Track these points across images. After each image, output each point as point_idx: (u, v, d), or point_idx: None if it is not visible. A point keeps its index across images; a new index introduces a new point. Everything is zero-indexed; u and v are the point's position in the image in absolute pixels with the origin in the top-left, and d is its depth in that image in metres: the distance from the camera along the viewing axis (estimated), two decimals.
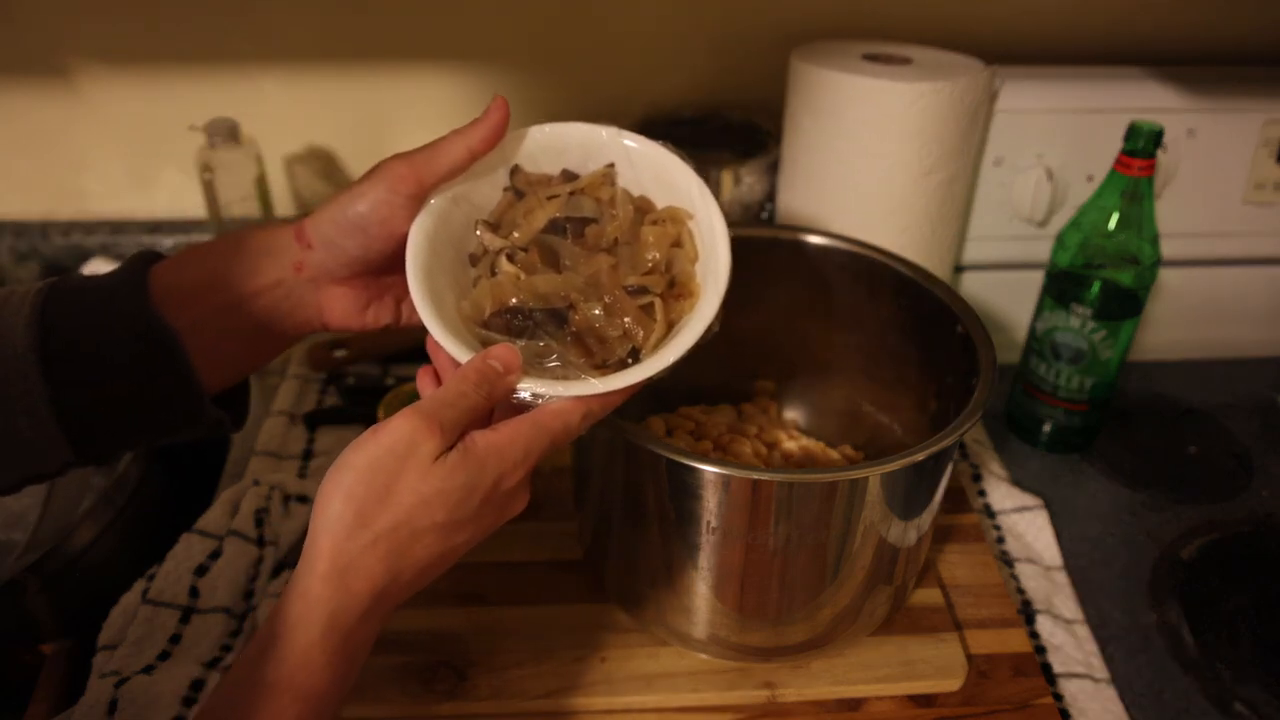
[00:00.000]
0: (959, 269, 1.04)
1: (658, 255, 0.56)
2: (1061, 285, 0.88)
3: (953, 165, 0.90)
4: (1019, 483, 0.91)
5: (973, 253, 1.02)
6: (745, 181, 1.01)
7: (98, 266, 1.09)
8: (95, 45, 1.04)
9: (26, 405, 0.50)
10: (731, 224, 0.57)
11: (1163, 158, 0.95)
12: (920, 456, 0.59)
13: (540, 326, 0.53)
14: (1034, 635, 0.76)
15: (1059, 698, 0.72)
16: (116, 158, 1.12)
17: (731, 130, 1.06)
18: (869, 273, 0.78)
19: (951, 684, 0.70)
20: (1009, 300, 1.04)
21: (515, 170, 0.59)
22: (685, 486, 0.61)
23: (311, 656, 0.45)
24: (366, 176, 0.55)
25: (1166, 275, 1.03)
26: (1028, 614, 0.78)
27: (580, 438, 0.54)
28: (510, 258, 0.56)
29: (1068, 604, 0.79)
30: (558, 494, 0.81)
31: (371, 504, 0.46)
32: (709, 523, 0.62)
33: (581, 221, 0.57)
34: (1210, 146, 0.97)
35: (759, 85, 1.07)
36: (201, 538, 0.79)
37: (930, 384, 0.76)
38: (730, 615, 0.67)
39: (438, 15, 1.03)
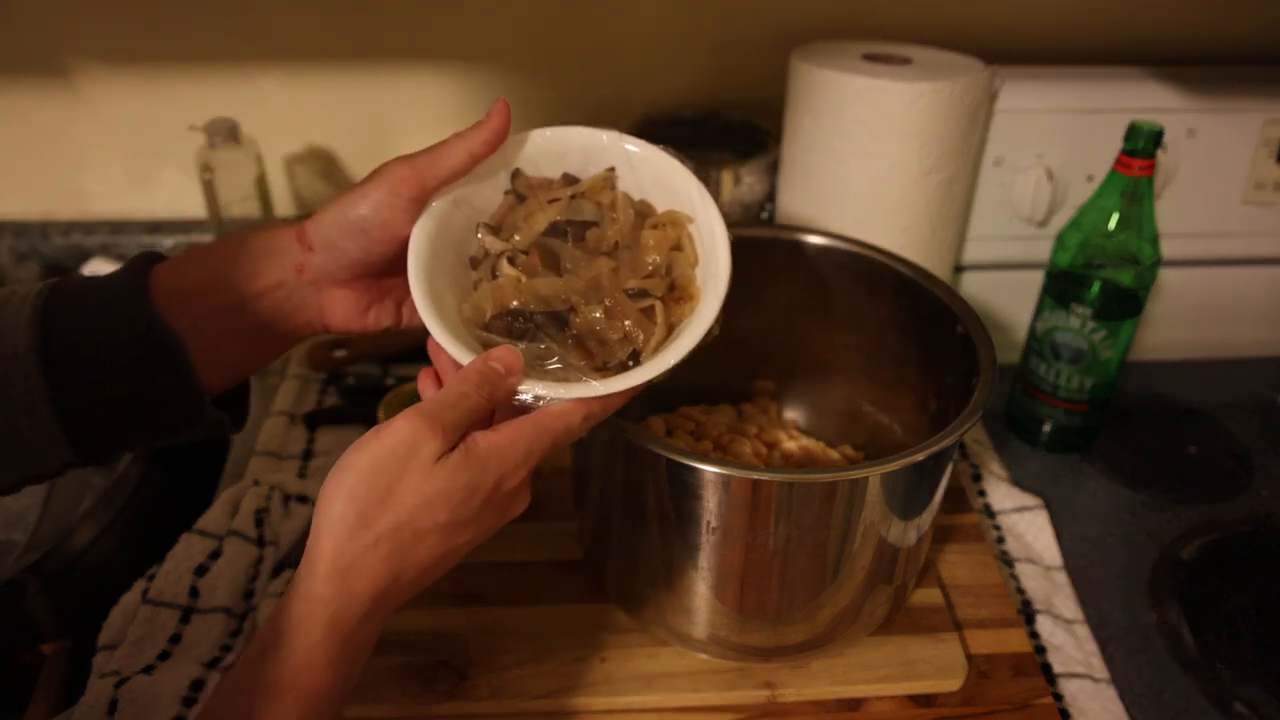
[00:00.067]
0: (959, 269, 1.04)
1: (658, 259, 0.57)
2: (1061, 285, 0.88)
3: (953, 165, 0.90)
4: (1019, 483, 0.91)
5: (973, 253, 1.02)
6: (745, 181, 1.01)
7: (98, 267, 1.09)
8: (95, 45, 1.04)
9: (27, 405, 0.50)
10: (731, 224, 0.57)
11: (1163, 158, 0.95)
12: (920, 456, 0.59)
13: (541, 329, 0.54)
14: (1034, 635, 0.76)
15: (1059, 698, 0.72)
16: (116, 158, 1.12)
17: (731, 130, 1.06)
18: (869, 273, 0.78)
19: (951, 684, 0.70)
20: (1009, 300, 1.04)
21: (516, 174, 0.59)
22: (685, 486, 0.61)
23: (313, 657, 0.45)
24: (368, 179, 0.55)
25: (1166, 275, 1.03)
26: (1028, 614, 0.78)
27: (580, 438, 0.54)
28: (511, 260, 0.56)
29: (1068, 604, 0.79)
30: (558, 494, 0.81)
31: (373, 505, 0.46)
32: (709, 523, 0.62)
33: (582, 225, 0.57)
34: (1210, 146, 0.97)
35: (759, 85, 1.07)
36: (201, 538, 0.79)
37: (930, 384, 0.76)
38: (730, 615, 0.67)
39: (438, 15, 1.03)
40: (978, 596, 0.77)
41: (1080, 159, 0.96)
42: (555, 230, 0.57)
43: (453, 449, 0.48)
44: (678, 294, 0.56)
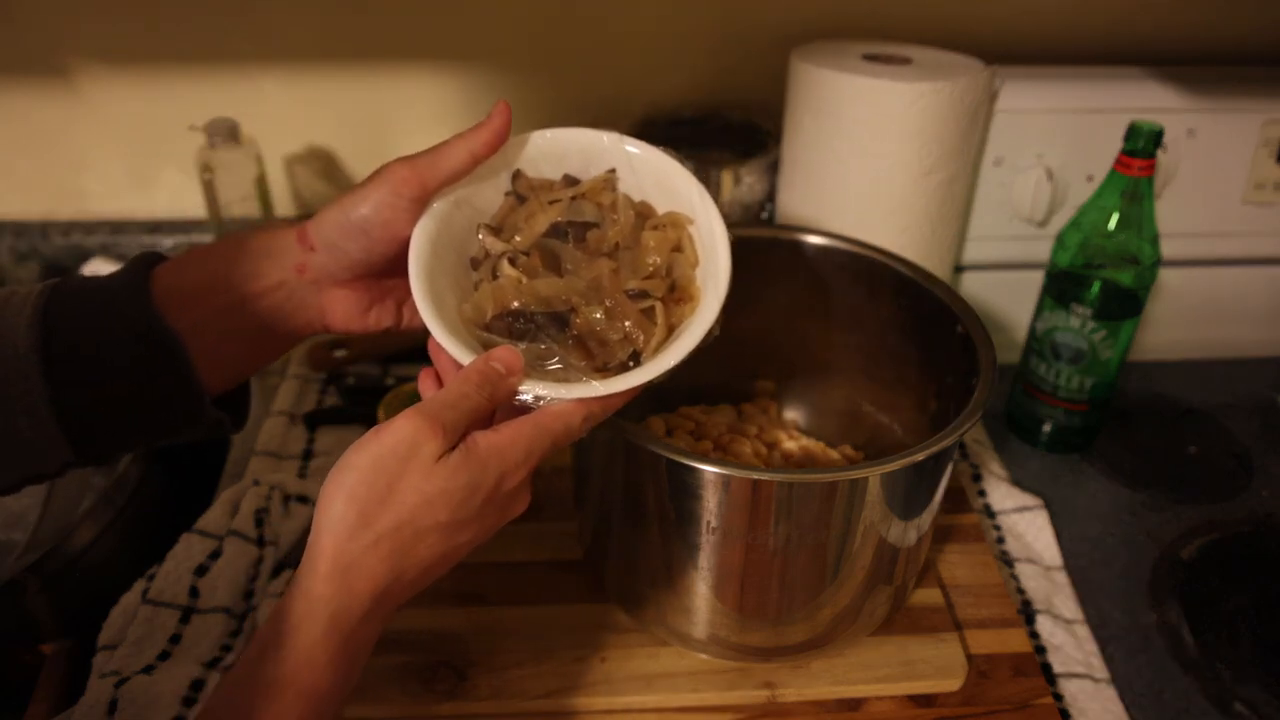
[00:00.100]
0: (959, 269, 1.04)
1: (658, 260, 0.57)
2: (1061, 285, 0.88)
3: (953, 165, 0.90)
4: (1019, 483, 0.91)
5: (973, 253, 1.02)
6: (745, 181, 1.01)
7: (98, 266, 1.09)
8: (95, 45, 1.04)
9: (27, 405, 0.50)
10: (731, 224, 0.57)
11: (1163, 158, 0.95)
12: (920, 456, 0.59)
13: (542, 329, 0.54)
14: (1034, 635, 0.76)
15: (1059, 698, 0.72)
16: (116, 158, 1.12)
17: (731, 130, 1.06)
18: (869, 273, 0.78)
19: (951, 684, 0.70)
20: (1009, 300, 1.04)
21: (517, 175, 0.60)
22: (685, 486, 0.61)
23: (314, 656, 0.45)
24: (369, 179, 0.55)
25: (1166, 275, 1.03)
26: (1028, 614, 0.78)
27: (581, 438, 0.54)
28: (512, 261, 0.56)
29: (1068, 604, 0.79)
30: (558, 494, 0.81)
31: (374, 504, 0.46)
32: (709, 523, 0.62)
33: (583, 226, 0.57)
34: (1210, 146, 0.97)
35: (759, 85, 1.07)
36: (201, 538, 0.79)
37: (930, 384, 0.76)
38: (730, 615, 0.67)
39: (438, 15, 1.03)
40: (978, 596, 0.77)
41: (1080, 159, 0.96)
42: (556, 231, 0.57)
43: (453, 449, 0.48)
44: (678, 295, 0.57)
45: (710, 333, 0.54)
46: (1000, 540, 0.85)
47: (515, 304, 0.54)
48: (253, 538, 0.80)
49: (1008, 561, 0.83)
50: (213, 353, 0.54)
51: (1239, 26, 1.07)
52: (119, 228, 1.13)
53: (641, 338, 0.54)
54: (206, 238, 1.11)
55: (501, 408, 0.51)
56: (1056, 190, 0.96)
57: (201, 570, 0.77)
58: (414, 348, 1.04)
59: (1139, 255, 0.84)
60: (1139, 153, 0.81)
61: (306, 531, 0.67)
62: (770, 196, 1.04)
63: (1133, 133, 0.81)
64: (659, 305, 0.55)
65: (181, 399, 0.53)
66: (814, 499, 0.61)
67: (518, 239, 0.57)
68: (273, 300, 0.56)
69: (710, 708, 0.69)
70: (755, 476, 0.59)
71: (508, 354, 0.51)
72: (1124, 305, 0.86)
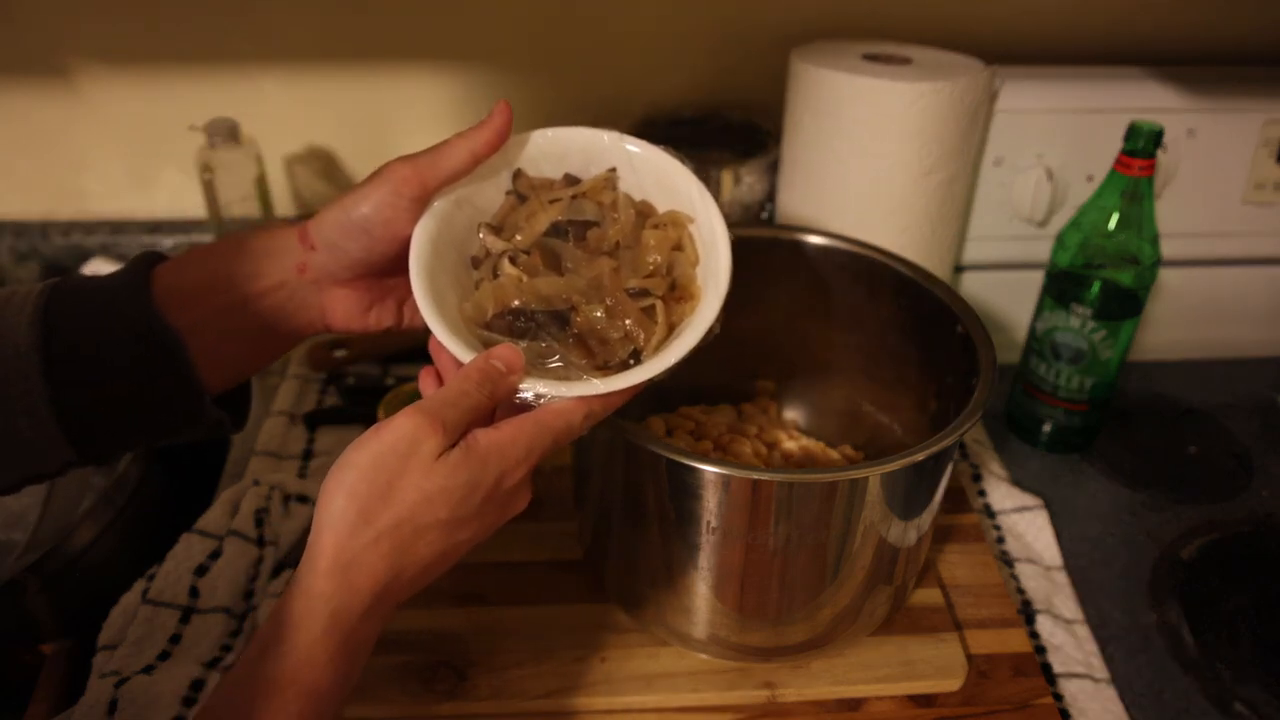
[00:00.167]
0: (959, 269, 1.04)
1: (659, 258, 0.57)
2: (1061, 285, 0.88)
3: (953, 165, 0.90)
4: (1019, 483, 0.91)
5: (973, 253, 1.02)
6: (745, 181, 1.01)
7: (98, 266, 1.09)
8: (95, 45, 1.04)
9: (27, 405, 0.50)
10: (731, 224, 0.57)
11: (1163, 158, 0.95)
12: (920, 456, 0.59)
13: (542, 328, 0.54)
14: (1034, 635, 0.76)
15: (1059, 698, 0.72)
16: (116, 158, 1.12)
17: (731, 130, 1.06)
18: (869, 273, 0.78)
19: (951, 684, 0.70)
20: (1009, 300, 1.04)
21: (518, 174, 0.60)
22: (685, 486, 0.61)
23: (314, 654, 0.45)
24: (370, 179, 0.55)
25: (1166, 275, 1.03)
26: (1028, 614, 0.78)
27: (580, 437, 0.54)
28: (512, 260, 0.56)
29: (1068, 604, 0.79)
30: (558, 493, 0.81)
31: (374, 501, 0.46)
32: (709, 523, 0.62)
33: (583, 225, 0.57)
34: (1210, 146, 0.97)
35: (759, 85, 1.07)
36: (201, 538, 0.79)
37: (930, 384, 0.76)
38: (730, 615, 0.67)
39: (438, 15, 1.03)
40: (978, 596, 0.77)
41: (1080, 159, 0.96)
42: (556, 230, 0.57)
43: (453, 446, 0.48)
44: (679, 293, 0.57)
45: (711, 331, 0.54)
46: (1000, 540, 0.85)
47: (516, 302, 0.54)
48: (253, 538, 0.80)
49: (1008, 561, 0.83)
50: (213, 352, 0.54)
51: (1239, 26, 1.07)
52: (119, 228, 1.13)
53: (642, 336, 0.54)
54: (206, 238, 1.11)
55: (502, 406, 0.51)
56: (1056, 190, 0.96)
57: (201, 570, 0.77)
58: (414, 348, 1.04)
59: (1139, 255, 0.84)
60: (1139, 153, 0.81)
61: (306, 531, 0.67)
62: (770, 196, 1.04)
63: (1133, 133, 0.81)
64: (659, 304, 0.55)
65: (182, 399, 0.53)
66: (814, 499, 0.60)
67: (518, 238, 0.58)
68: (273, 300, 0.56)
69: (710, 708, 0.69)
70: (755, 476, 0.59)
71: (508, 352, 0.51)
72: (1124, 305, 0.87)
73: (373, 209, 0.54)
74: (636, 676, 0.69)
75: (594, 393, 0.51)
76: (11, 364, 0.50)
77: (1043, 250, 0.92)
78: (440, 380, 0.54)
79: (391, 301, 0.60)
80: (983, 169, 0.97)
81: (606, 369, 0.54)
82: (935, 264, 0.95)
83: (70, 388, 0.51)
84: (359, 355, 1.03)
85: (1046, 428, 0.95)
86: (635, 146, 0.59)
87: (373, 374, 1.04)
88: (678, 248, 0.58)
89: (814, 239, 0.79)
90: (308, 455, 0.93)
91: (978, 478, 0.90)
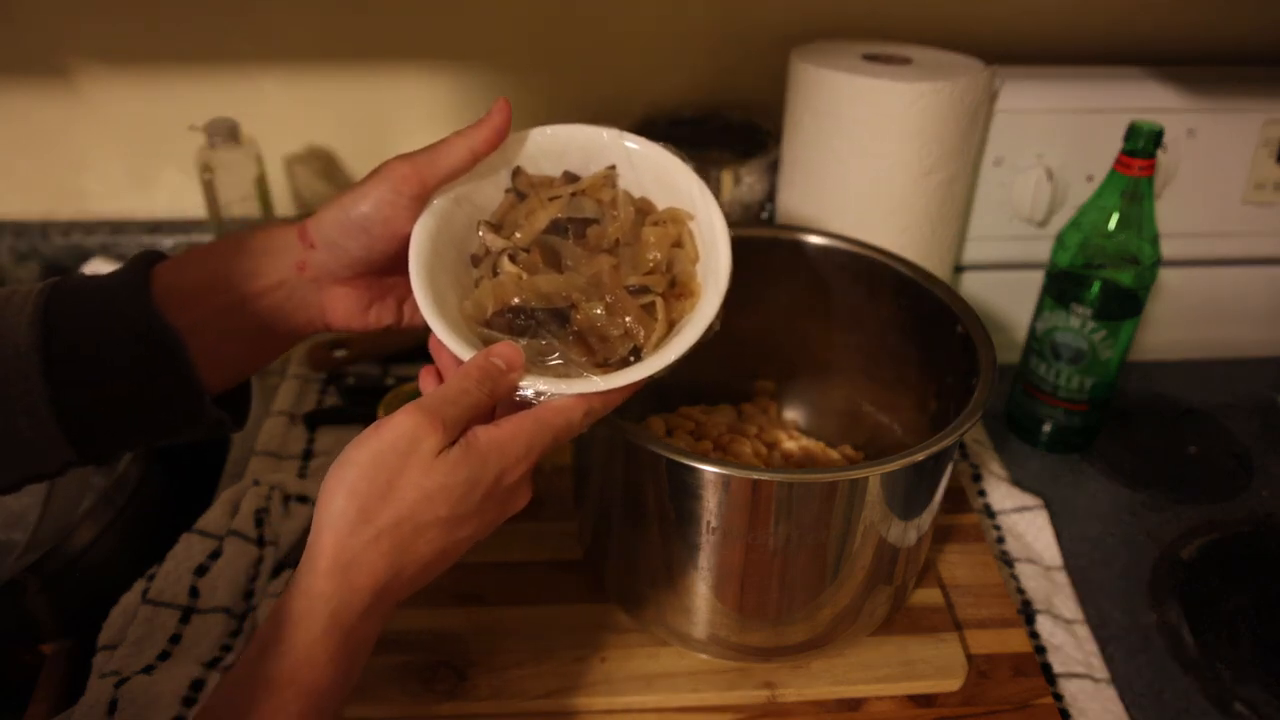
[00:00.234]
0: (959, 269, 1.04)
1: (659, 255, 0.57)
2: (1061, 285, 0.88)
3: (953, 165, 0.90)
4: (1019, 483, 0.91)
5: (973, 253, 1.02)
6: (745, 181, 1.01)
7: (98, 266, 1.09)
8: (95, 45, 1.04)
9: (27, 405, 0.50)
10: (731, 224, 0.57)
11: (1163, 158, 0.95)
12: (920, 456, 0.59)
13: (542, 326, 0.54)
14: (1034, 635, 0.76)
15: (1059, 698, 0.72)
16: (116, 158, 1.12)
17: (731, 130, 1.06)
18: (869, 273, 0.78)
19: (951, 684, 0.70)
20: (1009, 300, 1.04)
21: (517, 172, 0.60)
22: (685, 486, 0.61)
23: (314, 653, 0.45)
24: (369, 177, 0.55)
25: (1166, 275, 1.03)
26: (1028, 614, 0.78)
27: (580, 437, 0.54)
28: (512, 258, 0.56)
29: (1068, 604, 0.79)
30: (558, 493, 0.81)
31: (374, 499, 0.46)
32: (709, 523, 0.62)
33: (583, 222, 0.57)
34: (1210, 146, 0.97)
35: (759, 85, 1.08)
36: (201, 538, 0.79)
37: (930, 384, 0.76)
38: (730, 615, 0.67)
39: (438, 15, 1.03)
40: (978, 596, 0.77)
41: (1080, 159, 0.96)
42: (556, 228, 0.57)
43: (453, 444, 0.48)
44: (679, 290, 0.56)
45: (711, 328, 0.54)
46: (1000, 540, 0.85)
47: (516, 300, 0.54)
48: (253, 538, 0.80)
49: (1008, 561, 0.83)
50: (213, 351, 0.54)
51: (1239, 26, 1.07)
52: (119, 228, 1.13)
53: (642, 333, 0.54)
54: (206, 238, 1.11)
55: (502, 404, 0.51)
56: (1056, 190, 0.96)
57: (201, 570, 0.77)
58: (414, 347, 1.04)
59: (1139, 255, 0.84)
60: (1139, 153, 0.81)
61: (306, 531, 0.67)
62: (770, 196, 1.04)
63: (1133, 133, 0.81)
64: (659, 301, 0.55)
65: (182, 398, 0.53)
66: (814, 499, 0.60)
67: (518, 236, 0.58)
68: (273, 299, 0.55)
69: (710, 708, 0.69)
70: (755, 476, 0.59)
71: (508, 350, 0.51)
72: (1124, 305, 0.86)
73: (372, 207, 0.54)
74: (636, 676, 0.69)
75: (594, 390, 0.51)
76: (11, 364, 0.50)
77: (1043, 250, 0.92)
78: (440, 379, 0.54)
79: (391, 300, 0.60)
80: (983, 169, 0.97)
81: (607, 366, 0.53)
82: (935, 264, 0.95)
83: (70, 387, 0.51)
84: (359, 355, 1.03)
85: (1046, 428, 0.95)
86: (634, 143, 0.59)
87: (373, 374, 1.04)
88: (677, 244, 0.58)
89: (814, 239, 0.79)
90: (308, 455, 0.93)
91: (978, 478, 0.90)
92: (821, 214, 0.94)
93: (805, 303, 0.82)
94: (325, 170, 1.13)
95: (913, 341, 0.77)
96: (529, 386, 0.51)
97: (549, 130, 0.60)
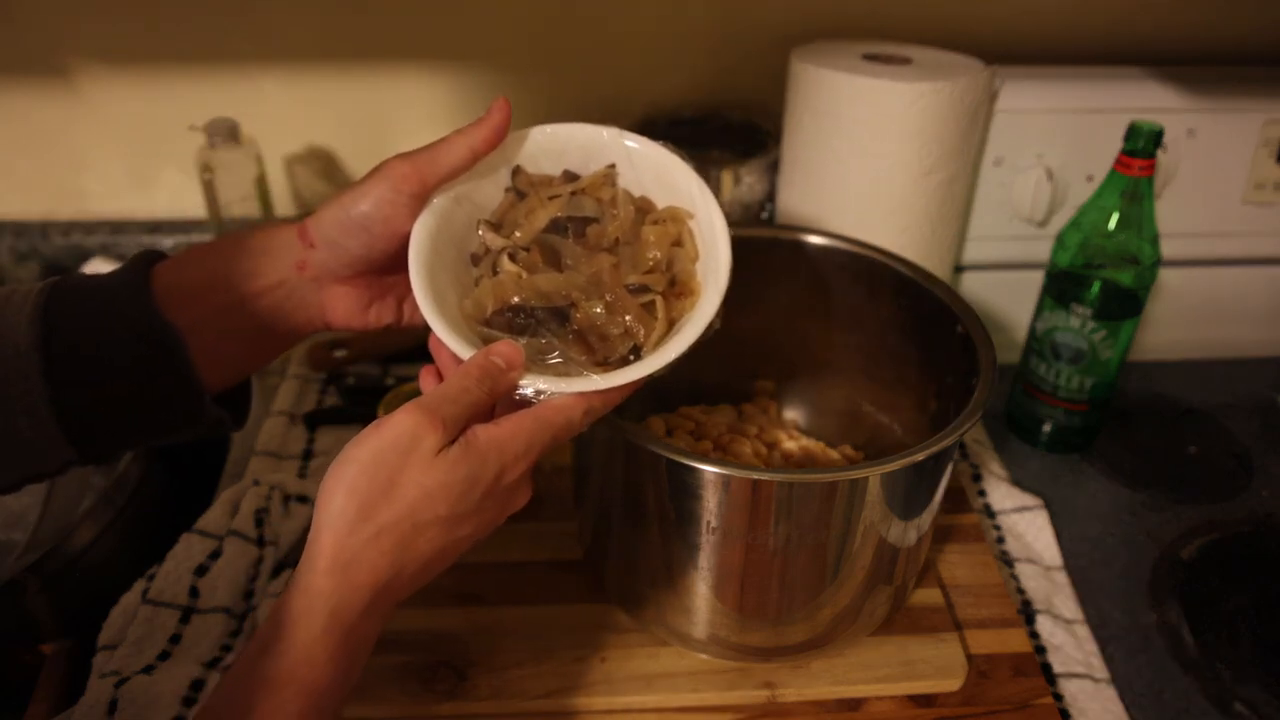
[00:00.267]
0: (959, 269, 1.04)
1: (659, 254, 0.57)
2: (1061, 285, 0.88)
3: (953, 165, 0.90)
4: (1019, 483, 0.91)
5: (973, 253, 1.02)
6: (745, 181, 1.01)
7: (98, 266, 1.09)
8: (95, 45, 1.04)
9: (27, 405, 0.50)
10: (731, 224, 0.57)
11: (1163, 158, 0.95)
12: (920, 456, 0.59)
13: (542, 324, 0.54)
14: (1034, 635, 0.76)
15: (1059, 698, 0.72)
16: (116, 158, 1.12)
17: (731, 130, 1.06)
18: (869, 273, 0.78)
19: (951, 684, 0.70)
20: (1009, 300, 1.04)
21: (517, 170, 0.60)
22: (685, 486, 0.61)
23: (314, 652, 0.45)
24: (369, 176, 0.55)
25: (1166, 275, 1.03)
26: (1028, 614, 0.78)
27: (580, 437, 0.54)
28: (512, 257, 0.56)
29: (1068, 604, 0.79)
30: (558, 493, 0.81)
31: (374, 497, 0.46)
32: (709, 523, 0.62)
33: (583, 221, 0.57)
34: (1210, 146, 0.97)
35: (759, 85, 1.08)
36: (201, 538, 0.79)
37: (930, 384, 0.76)
38: (730, 615, 0.67)
39: (438, 15, 1.04)
40: (978, 596, 0.77)
41: (1080, 159, 0.96)
42: (556, 226, 0.57)
43: (453, 442, 0.48)
44: (678, 289, 0.56)
45: (711, 326, 0.54)
46: (1000, 540, 0.85)
47: (516, 299, 0.54)
48: (253, 538, 0.80)
49: (1008, 561, 0.83)
50: (213, 351, 0.54)
51: (1239, 26, 1.07)
52: (119, 228, 1.13)
53: (642, 332, 0.54)
54: (206, 238, 1.11)
55: (502, 402, 0.51)
56: (1056, 190, 0.96)
57: (201, 570, 0.77)
58: (414, 347, 1.04)
59: (1139, 255, 0.84)
60: (1139, 153, 0.81)
61: (307, 531, 0.67)
62: (770, 196, 1.04)
63: (1133, 133, 0.81)
64: (659, 299, 0.55)
65: (182, 397, 0.53)
66: (814, 499, 0.60)
67: (518, 234, 0.58)
68: (273, 298, 0.55)
69: (710, 708, 0.69)
70: (755, 476, 0.59)
71: (508, 349, 0.51)
72: (1124, 305, 0.86)
73: (372, 206, 0.54)
74: (636, 676, 0.69)
75: (594, 389, 0.51)
76: (11, 363, 0.50)
77: (1043, 250, 0.92)
78: (440, 378, 0.54)
79: (391, 299, 0.60)
80: (983, 169, 0.97)
81: (606, 365, 0.53)
82: (935, 264, 0.95)
83: (70, 387, 0.51)
84: (359, 355, 1.03)
85: (1046, 428, 0.95)
86: (634, 142, 0.59)
87: (373, 374, 1.03)
88: (677, 243, 0.58)
89: (814, 239, 0.79)
90: (308, 455, 0.93)
91: (978, 478, 0.90)
92: (821, 214, 0.94)
93: (805, 303, 0.82)
94: (325, 170, 1.13)
95: (913, 341, 0.77)
96: (529, 385, 0.51)
97: (549, 129, 0.60)
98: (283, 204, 1.14)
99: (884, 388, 0.82)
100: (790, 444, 0.82)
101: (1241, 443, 0.98)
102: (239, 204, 1.02)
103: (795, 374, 0.88)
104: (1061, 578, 0.81)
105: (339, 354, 1.03)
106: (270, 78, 1.07)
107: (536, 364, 0.53)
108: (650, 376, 0.52)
